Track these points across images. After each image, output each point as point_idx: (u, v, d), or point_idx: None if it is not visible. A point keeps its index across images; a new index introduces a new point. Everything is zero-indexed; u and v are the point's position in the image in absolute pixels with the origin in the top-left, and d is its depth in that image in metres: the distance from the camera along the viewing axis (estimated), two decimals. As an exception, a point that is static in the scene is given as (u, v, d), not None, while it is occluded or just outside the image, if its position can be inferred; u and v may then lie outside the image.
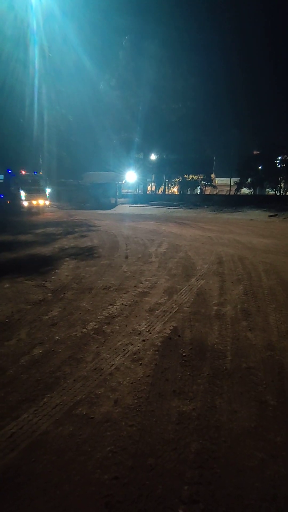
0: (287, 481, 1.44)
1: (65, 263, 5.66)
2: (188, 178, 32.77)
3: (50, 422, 1.76)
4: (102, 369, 2.32)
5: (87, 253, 6.48)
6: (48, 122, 17.86)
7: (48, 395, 2.00)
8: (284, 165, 24.12)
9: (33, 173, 18.30)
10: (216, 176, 37.72)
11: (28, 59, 15.84)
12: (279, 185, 24.75)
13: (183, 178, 32.80)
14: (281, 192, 24.71)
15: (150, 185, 36.09)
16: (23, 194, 16.91)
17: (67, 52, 17.87)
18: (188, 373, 2.29)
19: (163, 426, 1.75)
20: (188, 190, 33.43)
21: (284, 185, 24.71)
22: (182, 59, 25.48)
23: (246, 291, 4.08)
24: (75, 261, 5.75)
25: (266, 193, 28.61)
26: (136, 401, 1.96)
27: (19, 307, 3.55)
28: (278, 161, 24.73)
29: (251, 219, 13.66)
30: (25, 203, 17.00)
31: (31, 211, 17.42)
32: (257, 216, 15.04)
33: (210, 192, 33.50)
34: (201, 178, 32.50)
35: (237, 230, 9.99)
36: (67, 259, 5.97)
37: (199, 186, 33.85)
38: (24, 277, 4.72)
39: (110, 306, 3.56)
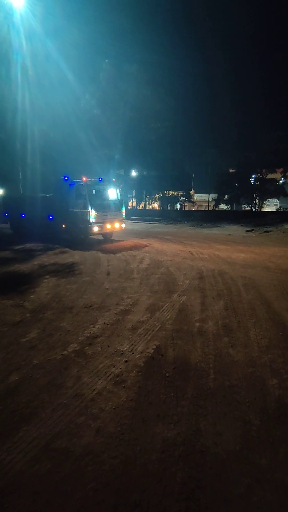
0: (271, 507, 1.42)
1: (44, 280, 5.48)
2: (168, 194, 33.68)
3: (26, 460, 1.63)
4: (83, 394, 2.21)
5: (67, 270, 6.33)
6: (31, 138, 17.71)
7: (24, 428, 1.87)
8: (257, 183, 25.53)
9: (98, 180, 10.72)
10: (195, 192, 39.02)
11: (10, 76, 16.02)
12: (254, 201, 26.02)
13: (163, 194, 33.68)
14: (256, 208, 25.96)
15: (131, 201, 36.64)
16: (92, 213, 9.95)
17: (49, 70, 18.28)
18: (172, 394, 2.24)
19: (147, 456, 1.68)
20: (169, 205, 34.26)
21: (258, 201, 26.01)
22: (161, 82, 26.76)
23: (227, 306, 4.15)
24: (55, 279, 5.60)
25: (243, 209, 29.96)
26: (119, 428, 1.88)
27: (-6, 330, 3.36)
28: (252, 179, 26.21)
29: (229, 234, 14.13)
30: (96, 228, 9.98)
31: (98, 238, 11.46)
32: (235, 231, 15.60)
33: (189, 208, 34.48)
34: (181, 194, 33.50)
35: (217, 245, 10.27)
36: (47, 276, 5.80)
37: (179, 202, 34.80)
38: (1, 297, 4.51)
39: (92, 326, 3.46)
